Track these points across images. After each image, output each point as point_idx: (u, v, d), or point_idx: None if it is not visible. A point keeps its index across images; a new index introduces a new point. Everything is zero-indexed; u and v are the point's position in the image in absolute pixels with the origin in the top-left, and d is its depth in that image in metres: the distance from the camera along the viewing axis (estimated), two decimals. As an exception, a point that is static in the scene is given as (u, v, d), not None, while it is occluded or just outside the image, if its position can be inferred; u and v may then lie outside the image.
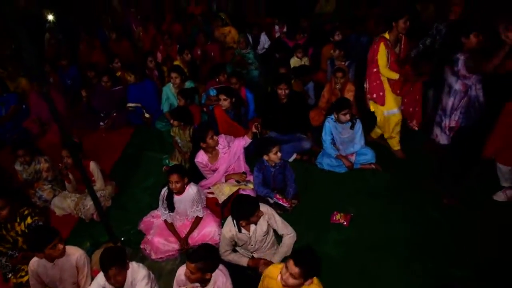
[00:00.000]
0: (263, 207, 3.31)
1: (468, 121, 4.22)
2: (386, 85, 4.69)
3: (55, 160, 4.64)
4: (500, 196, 4.13)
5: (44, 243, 2.91)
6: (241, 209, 3.19)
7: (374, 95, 4.76)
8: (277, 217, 3.39)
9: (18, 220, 3.54)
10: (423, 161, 4.77)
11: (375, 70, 4.64)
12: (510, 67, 3.95)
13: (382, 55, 4.53)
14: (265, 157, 4.09)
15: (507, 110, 3.82)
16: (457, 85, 4.13)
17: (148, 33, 8.65)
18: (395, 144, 5.00)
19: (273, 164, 4.12)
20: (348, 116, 4.53)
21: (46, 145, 5.45)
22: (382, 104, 4.73)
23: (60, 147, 4.52)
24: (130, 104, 6.21)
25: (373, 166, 4.72)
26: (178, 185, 3.64)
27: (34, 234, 3.06)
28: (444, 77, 4.26)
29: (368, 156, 4.74)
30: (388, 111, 4.80)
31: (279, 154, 4.02)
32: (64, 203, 4.35)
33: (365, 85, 4.86)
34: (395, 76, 4.57)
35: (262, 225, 3.31)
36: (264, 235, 3.37)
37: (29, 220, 3.53)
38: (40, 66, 5.90)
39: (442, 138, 4.09)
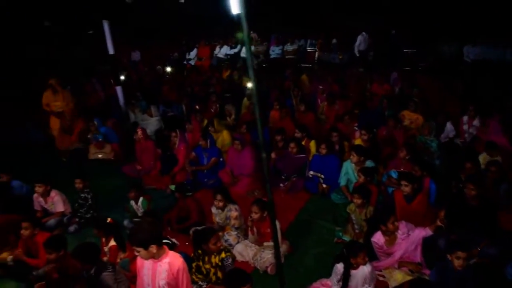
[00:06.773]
0: None
1: None
2: None
3: (243, 210, 5.29)
4: None
5: (238, 284, 3.36)
6: None
7: None
8: None
9: (214, 254, 4.17)
10: None
11: None
12: None
13: None
14: (450, 257, 3.79)
15: None
16: None
17: (332, 109, 9.25)
18: None
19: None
20: None
21: (233, 195, 6.18)
22: None
23: (245, 198, 5.13)
24: (311, 173, 6.68)
25: None
26: (361, 261, 3.82)
27: (232, 274, 3.56)
28: None
29: None
30: None
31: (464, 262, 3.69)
32: (245, 251, 4.90)
33: None
34: None
35: None
36: None
37: (223, 255, 4.15)
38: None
39: None
